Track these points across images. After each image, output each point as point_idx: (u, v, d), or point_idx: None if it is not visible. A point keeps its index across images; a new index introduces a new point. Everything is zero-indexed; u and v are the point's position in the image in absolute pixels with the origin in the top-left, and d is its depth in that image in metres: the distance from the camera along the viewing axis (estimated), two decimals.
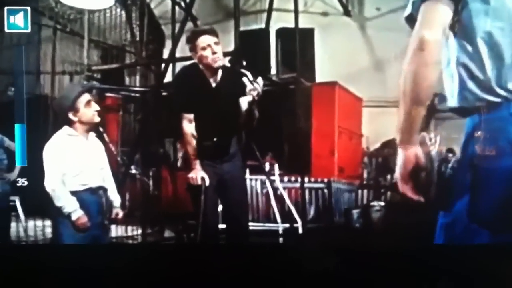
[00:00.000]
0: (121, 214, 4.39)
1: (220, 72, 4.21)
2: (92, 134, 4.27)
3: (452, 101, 2.23)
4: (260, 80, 4.06)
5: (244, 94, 4.06)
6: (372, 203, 6.08)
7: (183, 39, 6.50)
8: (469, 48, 2.12)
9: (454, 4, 2.12)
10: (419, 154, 2.24)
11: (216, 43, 4.11)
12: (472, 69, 2.12)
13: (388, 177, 6.43)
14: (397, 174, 2.23)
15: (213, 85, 4.23)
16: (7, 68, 7.13)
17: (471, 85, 2.13)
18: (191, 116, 4.24)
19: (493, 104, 2.09)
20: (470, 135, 2.15)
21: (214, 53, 4.09)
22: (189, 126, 4.26)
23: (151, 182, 6.23)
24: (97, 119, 4.20)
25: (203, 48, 4.10)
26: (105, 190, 4.28)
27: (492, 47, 2.10)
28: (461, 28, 2.12)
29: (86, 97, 4.17)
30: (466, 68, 2.14)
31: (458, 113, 2.26)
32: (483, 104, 2.10)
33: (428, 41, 2.07)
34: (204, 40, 4.11)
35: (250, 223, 5.23)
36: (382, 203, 6.04)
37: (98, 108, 4.19)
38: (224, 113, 4.22)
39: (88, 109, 4.16)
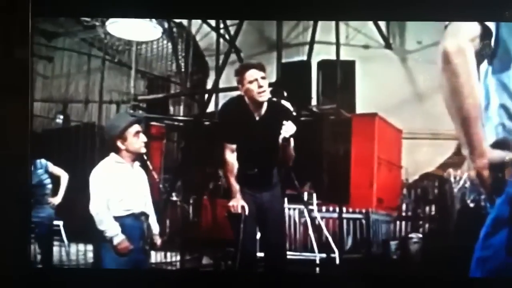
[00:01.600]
0: (159, 241, 4.49)
1: (265, 105, 4.31)
2: (137, 163, 4.41)
3: (491, 139, 2.26)
4: (291, 124, 4.16)
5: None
6: (410, 235, 6.07)
7: (226, 70, 6.67)
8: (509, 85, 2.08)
9: (482, 27, 2.16)
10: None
11: (263, 78, 4.25)
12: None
13: (427, 209, 6.40)
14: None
15: (257, 118, 4.34)
16: (56, 96, 7.36)
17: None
18: (234, 146, 4.35)
19: None
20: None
21: (260, 87, 4.22)
22: (231, 156, 4.37)
23: (191, 209, 6.32)
24: (143, 150, 4.34)
25: (250, 82, 4.24)
26: (146, 216, 4.40)
27: None
28: (498, 63, 2.09)
29: (135, 127, 4.32)
30: (506, 109, 2.12)
31: (497, 147, 2.27)
32: None
33: (451, 52, 2.14)
34: (251, 74, 4.25)
35: (287, 252, 5.27)
36: (420, 235, 6.01)
37: (145, 139, 4.33)
38: (266, 145, 4.31)
39: (136, 139, 4.32)
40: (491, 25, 2.11)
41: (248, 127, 4.37)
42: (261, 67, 4.35)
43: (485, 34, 2.16)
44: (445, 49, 2.20)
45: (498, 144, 2.25)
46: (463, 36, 2.18)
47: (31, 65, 4.51)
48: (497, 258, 2.19)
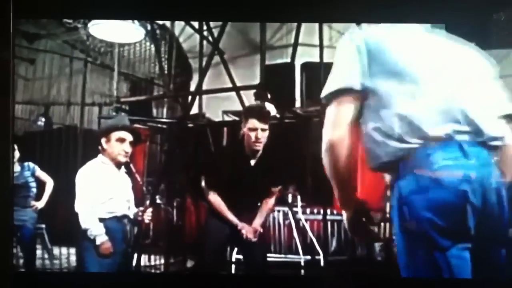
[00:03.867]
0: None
1: (259, 154, 4.40)
2: (123, 167, 4.39)
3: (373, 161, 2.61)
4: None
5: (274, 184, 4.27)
6: (394, 237, 6.08)
7: (209, 72, 6.65)
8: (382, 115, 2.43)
9: (359, 100, 2.47)
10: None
11: (263, 130, 4.31)
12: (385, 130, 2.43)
13: None
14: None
15: (252, 163, 4.42)
16: (38, 99, 7.31)
17: (389, 142, 2.42)
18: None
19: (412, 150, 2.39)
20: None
21: (257, 138, 4.28)
22: (213, 196, 4.46)
23: (175, 212, 6.30)
24: (122, 159, 4.30)
25: (250, 129, 4.31)
26: (129, 219, 4.37)
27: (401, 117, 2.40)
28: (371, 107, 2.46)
29: (122, 133, 4.29)
30: (379, 131, 2.45)
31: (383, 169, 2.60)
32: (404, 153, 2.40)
33: (334, 143, 2.46)
34: (253, 123, 4.31)
35: (272, 255, 5.28)
36: None
37: (129, 150, 4.30)
38: (254, 188, 4.40)
39: (117, 145, 4.28)
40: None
41: (242, 172, 4.44)
42: (264, 119, 4.40)
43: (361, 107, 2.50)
44: (329, 140, 2.51)
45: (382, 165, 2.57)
46: (345, 123, 2.48)
47: (12, 67, 4.46)
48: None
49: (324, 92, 2.58)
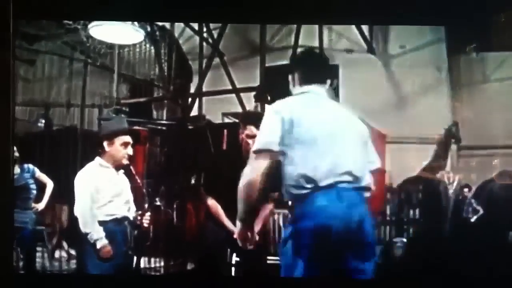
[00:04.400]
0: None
1: None
2: (121, 169, 4.38)
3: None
4: None
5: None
6: (394, 239, 6.10)
7: (209, 74, 6.66)
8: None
9: (274, 158, 3.30)
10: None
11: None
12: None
13: (411, 213, 6.43)
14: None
15: None
16: (38, 100, 7.31)
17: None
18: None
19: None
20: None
21: (247, 144, 4.32)
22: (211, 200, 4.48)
23: (175, 214, 6.30)
24: (125, 162, 4.30)
25: (247, 136, 4.35)
26: (129, 221, 4.37)
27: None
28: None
29: (126, 138, 4.29)
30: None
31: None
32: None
33: (248, 183, 3.30)
34: (251, 129, 4.35)
35: (271, 257, 5.27)
36: (404, 239, 6.04)
37: (131, 153, 4.30)
38: None
39: (122, 149, 4.28)
40: None
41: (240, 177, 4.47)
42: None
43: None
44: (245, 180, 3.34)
45: None
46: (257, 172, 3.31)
47: (12, 68, 4.46)
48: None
49: (253, 148, 3.37)
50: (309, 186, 3.22)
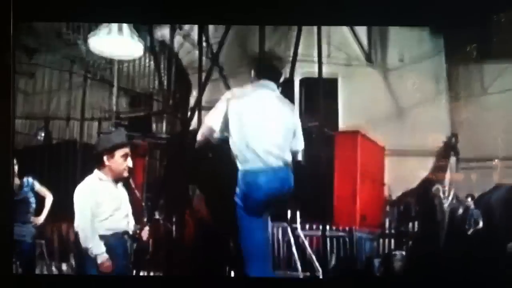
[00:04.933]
0: None
1: None
2: (120, 182, 4.39)
3: None
4: None
5: None
6: (393, 252, 6.09)
7: (209, 87, 6.66)
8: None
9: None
10: None
11: None
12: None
13: (410, 226, 6.43)
14: None
15: None
16: (38, 113, 7.32)
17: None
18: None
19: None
20: None
21: None
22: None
23: (174, 228, 6.28)
24: (125, 174, 4.31)
25: None
26: (129, 235, 4.37)
27: None
28: None
29: (126, 150, 4.30)
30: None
31: None
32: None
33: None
34: None
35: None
36: (404, 252, 6.04)
37: (131, 165, 4.31)
38: None
39: (122, 161, 4.29)
40: None
41: None
42: None
43: None
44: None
45: None
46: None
47: (12, 80, 4.48)
48: None
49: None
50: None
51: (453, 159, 6.48)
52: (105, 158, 4.29)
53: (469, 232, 6.20)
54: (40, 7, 4.65)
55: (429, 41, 7.10)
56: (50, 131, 7.43)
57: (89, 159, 5.25)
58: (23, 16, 4.52)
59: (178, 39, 7.30)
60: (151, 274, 5.78)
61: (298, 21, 5.99)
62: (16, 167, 5.25)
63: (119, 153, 4.29)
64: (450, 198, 6.25)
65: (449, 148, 6.47)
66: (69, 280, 5.31)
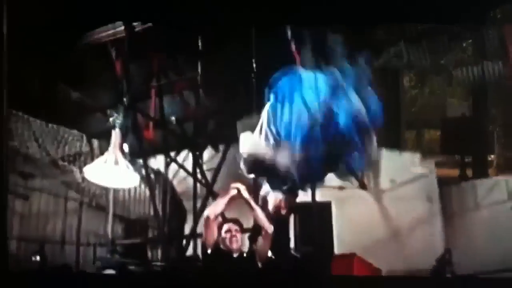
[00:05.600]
0: None
1: None
2: None
3: None
4: None
5: None
6: None
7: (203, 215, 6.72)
8: None
9: None
10: None
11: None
12: None
13: None
14: None
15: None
16: (33, 236, 7.32)
17: None
18: None
19: None
20: None
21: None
22: None
23: None
24: None
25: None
26: None
27: None
28: None
29: None
30: None
31: None
32: None
33: None
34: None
35: None
36: None
37: None
38: None
39: None
40: None
41: None
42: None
43: None
44: None
45: None
46: None
47: (6, 202, 4.50)
48: None
49: None
50: None
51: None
52: None
53: None
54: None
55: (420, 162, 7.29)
56: (46, 255, 7.42)
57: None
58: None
59: (173, 166, 7.43)
60: None
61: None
62: None
63: None
64: None
65: (443, 264, 6.48)
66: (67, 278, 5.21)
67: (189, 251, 6.91)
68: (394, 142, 7.55)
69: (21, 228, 7.31)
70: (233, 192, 4.62)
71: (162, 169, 7.44)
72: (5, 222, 4.42)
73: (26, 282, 4.49)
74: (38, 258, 7.32)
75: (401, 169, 7.28)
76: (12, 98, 4.27)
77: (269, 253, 4.66)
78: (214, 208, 4.61)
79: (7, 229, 4.54)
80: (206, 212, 4.58)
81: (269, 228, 4.52)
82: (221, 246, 4.62)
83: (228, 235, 4.63)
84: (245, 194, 4.62)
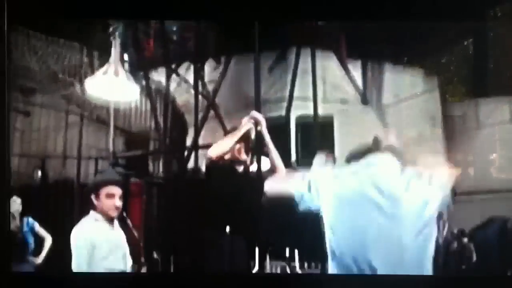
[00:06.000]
0: None
1: None
2: (116, 222, 4.39)
3: None
4: None
5: None
6: None
7: (205, 127, 6.71)
8: None
9: None
10: None
11: None
12: None
13: None
14: None
15: None
16: (35, 151, 7.33)
17: None
18: None
19: None
20: None
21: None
22: None
23: (172, 267, 6.26)
24: (113, 214, 4.28)
25: None
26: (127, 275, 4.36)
27: None
28: None
29: (109, 189, 4.28)
30: None
31: None
32: None
33: None
34: None
35: None
36: None
37: (119, 204, 4.28)
38: None
39: (107, 201, 4.27)
40: None
41: None
42: None
43: None
44: None
45: None
46: None
47: (7, 120, 4.48)
48: None
49: None
50: None
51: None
52: (93, 199, 4.29)
53: (463, 267, 6.20)
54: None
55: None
56: (47, 170, 7.44)
57: (85, 199, 5.26)
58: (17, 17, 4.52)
59: (174, 80, 7.38)
60: None
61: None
62: (20, 207, 5.29)
63: (103, 192, 4.27)
64: (444, 232, 6.25)
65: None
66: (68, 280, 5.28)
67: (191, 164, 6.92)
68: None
69: (23, 144, 7.30)
70: (247, 126, 4.51)
71: (163, 81, 7.39)
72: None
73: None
74: (39, 173, 7.35)
75: (405, 85, 7.23)
76: (12, 12, 4.22)
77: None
78: (217, 149, 4.53)
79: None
80: (209, 153, 4.44)
81: (283, 170, 4.40)
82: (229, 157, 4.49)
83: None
84: (264, 130, 4.50)
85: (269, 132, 6.25)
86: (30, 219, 5.58)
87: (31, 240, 5.57)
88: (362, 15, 5.00)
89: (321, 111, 6.66)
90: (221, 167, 4.47)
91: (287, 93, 7.01)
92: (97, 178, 4.46)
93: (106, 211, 4.28)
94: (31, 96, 7.37)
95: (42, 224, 5.71)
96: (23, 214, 5.55)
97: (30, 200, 6.29)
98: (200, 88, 7.15)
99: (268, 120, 6.55)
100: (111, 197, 4.29)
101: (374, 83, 7.29)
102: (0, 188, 4.15)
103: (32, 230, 5.58)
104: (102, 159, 7.36)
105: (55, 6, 4.61)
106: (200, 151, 6.84)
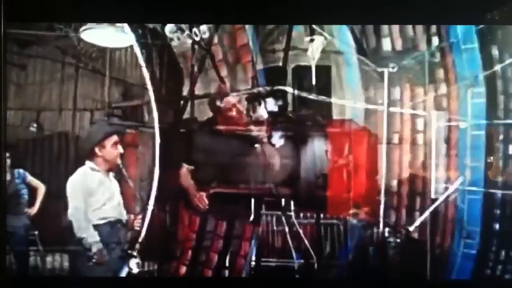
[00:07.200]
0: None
1: None
2: (112, 173, 4.41)
3: None
4: None
5: None
6: (388, 240, 6.10)
7: (201, 77, 6.65)
8: None
9: None
10: None
11: None
12: None
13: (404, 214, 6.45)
14: None
15: None
16: (30, 104, 7.28)
17: None
18: None
19: None
20: None
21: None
22: None
23: (167, 217, 6.27)
24: (118, 161, 4.33)
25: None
26: (123, 224, 4.39)
27: None
28: None
29: (114, 138, 4.32)
30: None
31: None
32: None
33: None
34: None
35: (265, 259, 5.29)
36: (398, 240, 6.05)
37: (122, 151, 4.33)
38: None
39: (113, 149, 4.32)
40: None
41: None
42: None
43: None
44: None
45: None
46: None
47: (4, 73, 4.45)
48: None
49: None
50: None
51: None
52: (96, 150, 4.31)
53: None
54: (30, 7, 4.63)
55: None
56: (42, 123, 7.39)
57: (81, 150, 5.24)
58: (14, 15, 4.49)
59: (170, 26, 7.27)
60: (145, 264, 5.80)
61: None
62: (8, 161, 5.25)
63: (109, 142, 4.30)
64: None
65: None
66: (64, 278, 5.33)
67: (186, 114, 6.88)
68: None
69: (18, 98, 7.25)
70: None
71: (159, 29, 7.30)
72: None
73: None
74: (35, 126, 7.31)
75: (404, 36, 7.15)
76: None
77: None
78: None
79: None
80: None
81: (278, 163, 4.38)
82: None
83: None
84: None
85: (266, 82, 6.26)
86: (21, 170, 5.57)
87: (23, 191, 5.57)
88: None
89: (317, 62, 6.62)
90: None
91: (283, 43, 6.93)
92: (103, 129, 4.46)
93: (111, 159, 4.32)
94: (27, 48, 7.30)
95: (36, 176, 5.70)
96: (13, 167, 5.53)
97: (22, 153, 6.29)
98: (197, 38, 7.07)
99: (264, 70, 6.61)
100: (116, 146, 4.35)
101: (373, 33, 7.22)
102: None
103: (23, 181, 5.57)
104: (97, 110, 7.32)
105: None
106: (196, 101, 6.81)
